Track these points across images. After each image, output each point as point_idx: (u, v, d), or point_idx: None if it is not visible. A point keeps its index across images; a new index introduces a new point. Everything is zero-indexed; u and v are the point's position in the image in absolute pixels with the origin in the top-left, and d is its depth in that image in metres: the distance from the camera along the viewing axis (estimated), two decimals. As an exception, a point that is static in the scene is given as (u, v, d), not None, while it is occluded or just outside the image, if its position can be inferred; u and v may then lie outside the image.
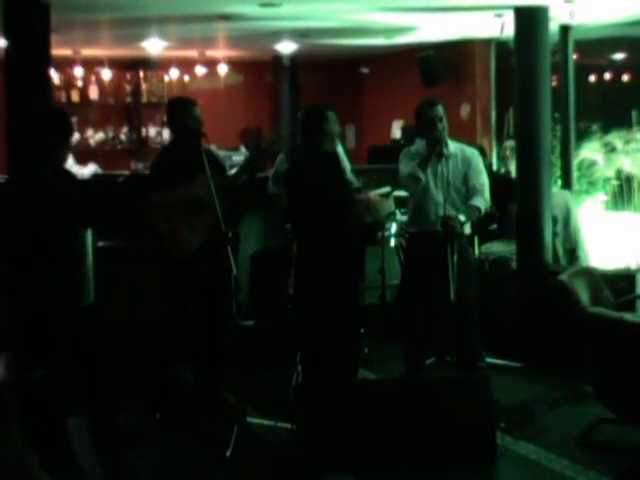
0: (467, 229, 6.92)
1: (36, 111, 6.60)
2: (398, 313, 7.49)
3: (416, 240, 7.01)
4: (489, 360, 7.57)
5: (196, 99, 6.78)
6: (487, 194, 6.81)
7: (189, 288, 6.51)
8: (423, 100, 6.97)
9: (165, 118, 6.99)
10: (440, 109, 6.74)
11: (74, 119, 12.17)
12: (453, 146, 6.84)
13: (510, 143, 8.87)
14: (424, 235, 6.80)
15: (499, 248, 8.55)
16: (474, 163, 6.85)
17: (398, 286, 8.90)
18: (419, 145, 6.91)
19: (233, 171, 7.05)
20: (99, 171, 11.98)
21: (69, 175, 6.20)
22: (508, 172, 9.22)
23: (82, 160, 12.19)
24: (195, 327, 6.61)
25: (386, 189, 8.44)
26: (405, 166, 6.83)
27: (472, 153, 6.95)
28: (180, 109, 6.59)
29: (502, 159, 9.09)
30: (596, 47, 12.18)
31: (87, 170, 11.81)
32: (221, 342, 6.64)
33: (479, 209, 6.74)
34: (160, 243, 6.49)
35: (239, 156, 12.16)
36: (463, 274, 6.69)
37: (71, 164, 8.31)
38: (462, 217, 6.63)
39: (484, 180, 6.84)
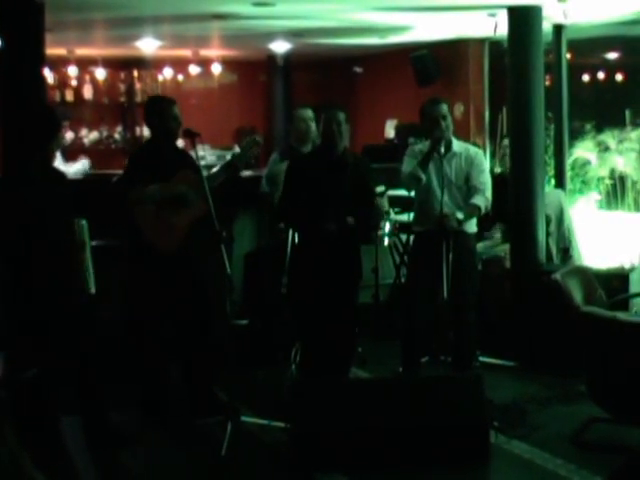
0: (473, 227, 6.92)
1: (23, 110, 6.58)
2: (398, 312, 7.49)
3: (420, 239, 7.02)
4: (482, 359, 7.57)
5: (175, 98, 6.73)
6: (488, 193, 6.80)
7: (165, 287, 6.46)
8: (428, 98, 6.99)
9: (143, 116, 6.88)
10: (444, 108, 6.76)
11: (66, 122, 12.19)
12: (457, 145, 6.85)
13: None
14: (428, 234, 6.80)
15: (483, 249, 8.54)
16: (477, 162, 6.86)
17: (394, 285, 8.95)
18: (424, 144, 6.92)
19: (215, 169, 7.01)
20: (87, 167, 11.87)
21: (60, 174, 6.19)
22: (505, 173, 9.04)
23: (76, 159, 12.17)
24: (188, 326, 6.60)
25: (380, 188, 8.44)
26: (407, 165, 6.82)
27: (476, 152, 6.98)
28: (158, 108, 6.55)
29: (501, 158, 8.97)
30: (589, 46, 12.17)
31: (75, 167, 11.71)
32: (214, 341, 6.64)
33: (479, 208, 6.74)
34: (137, 241, 6.44)
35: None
36: (465, 273, 6.71)
37: (59, 162, 8.26)
38: (460, 215, 6.62)
39: (485, 179, 6.84)
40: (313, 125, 7.62)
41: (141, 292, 6.54)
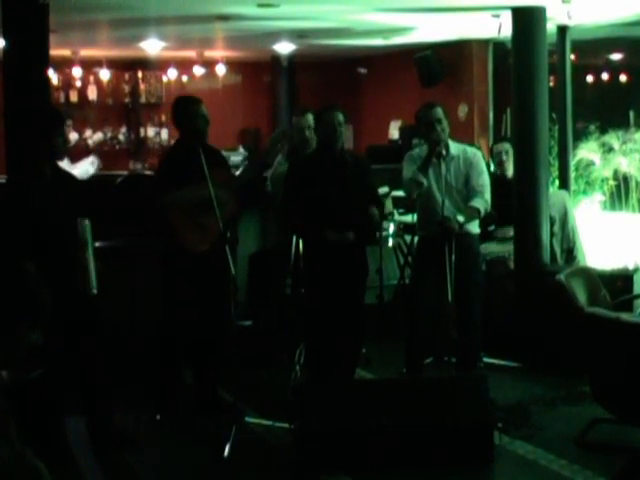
0: (475, 228, 6.92)
1: (27, 111, 6.58)
2: (402, 313, 7.48)
3: (424, 243, 7.02)
4: (486, 360, 7.59)
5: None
6: (487, 195, 6.79)
7: (196, 288, 6.48)
8: (422, 104, 6.99)
9: (171, 117, 6.88)
10: (439, 111, 6.75)
11: (69, 122, 12.19)
12: (455, 148, 6.85)
13: (506, 146, 8.67)
14: (431, 238, 6.80)
15: (496, 248, 8.53)
16: (475, 163, 6.85)
17: (399, 286, 8.96)
18: (422, 148, 6.93)
19: (238, 172, 7.03)
20: (96, 166, 11.82)
21: (69, 175, 6.21)
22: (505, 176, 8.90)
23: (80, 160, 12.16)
24: (194, 327, 6.60)
25: (384, 189, 8.44)
26: (407, 171, 6.82)
27: (473, 153, 6.96)
28: (186, 108, 6.57)
29: (498, 164, 8.78)
30: (593, 47, 12.18)
31: (83, 166, 11.65)
32: (219, 342, 6.64)
33: (478, 210, 6.73)
34: (170, 243, 6.45)
35: (237, 156, 12.17)
36: (470, 274, 6.71)
37: (65, 163, 8.26)
38: (460, 218, 6.63)
39: (484, 181, 6.83)
40: (312, 131, 7.57)
41: (175, 293, 6.55)
